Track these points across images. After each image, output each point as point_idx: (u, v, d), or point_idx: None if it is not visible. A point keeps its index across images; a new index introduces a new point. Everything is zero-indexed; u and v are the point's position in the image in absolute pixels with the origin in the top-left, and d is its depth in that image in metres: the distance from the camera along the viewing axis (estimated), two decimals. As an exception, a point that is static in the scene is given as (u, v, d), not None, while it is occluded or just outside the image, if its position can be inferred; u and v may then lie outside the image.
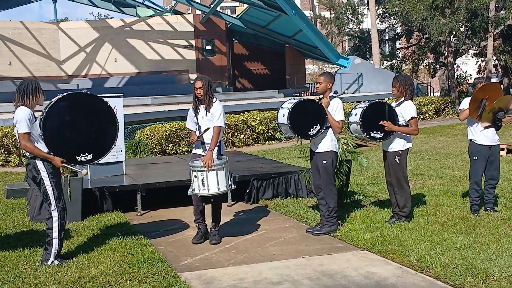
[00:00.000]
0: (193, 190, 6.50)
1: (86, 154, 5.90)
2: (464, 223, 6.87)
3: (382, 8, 33.98)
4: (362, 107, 7.04)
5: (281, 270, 5.65)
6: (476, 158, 7.37)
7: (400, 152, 7.05)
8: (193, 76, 27.64)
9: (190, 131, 6.99)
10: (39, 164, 5.82)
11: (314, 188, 7.39)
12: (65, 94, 5.88)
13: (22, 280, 5.38)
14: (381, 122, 6.95)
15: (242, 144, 16.95)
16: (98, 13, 56.40)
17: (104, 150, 6.04)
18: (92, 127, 5.96)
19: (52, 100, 5.82)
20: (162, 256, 6.05)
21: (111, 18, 44.60)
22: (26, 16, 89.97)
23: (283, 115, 6.88)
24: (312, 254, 6.14)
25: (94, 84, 27.25)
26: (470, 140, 7.44)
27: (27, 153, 5.85)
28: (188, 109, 6.91)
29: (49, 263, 5.82)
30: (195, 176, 6.40)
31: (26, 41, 27.65)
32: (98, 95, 6.26)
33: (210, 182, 6.36)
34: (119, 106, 9.29)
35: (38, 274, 5.52)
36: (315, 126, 6.79)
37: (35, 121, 5.77)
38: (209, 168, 6.35)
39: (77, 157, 5.88)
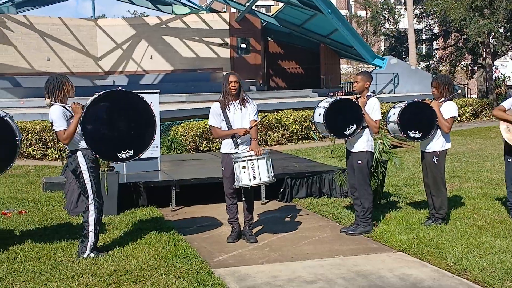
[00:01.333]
0: (240, 182, 6.39)
1: (127, 150, 5.90)
2: (503, 227, 6.73)
3: (420, 8, 33.57)
4: (400, 106, 6.95)
5: (315, 269, 5.62)
6: (510, 160, 7.21)
7: (438, 152, 6.94)
8: (227, 74, 27.69)
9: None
10: (80, 158, 5.89)
11: (349, 188, 7.34)
12: (100, 93, 5.89)
13: (59, 271, 5.46)
14: (425, 100, 6.90)
15: (276, 143, 16.93)
16: (134, 10, 57.05)
17: (144, 146, 6.01)
18: (130, 124, 5.94)
19: (89, 100, 5.87)
20: (196, 251, 6.07)
21: (147, 15, 45.00)
22: (62, 13, 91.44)
23: (319, 114, 6.84)
24: (347, 254, 6.10)
25: (130, 81, 27.58)
26: (505, 141, 7.26)
27: (68, 146, 5.93)
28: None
29: (85, 255, 5.89)
30: (244, 167, 6.32)
31: (65, 37, 28.11)
32: (134, 91, 6.27)
33: (262, 170, 6.33)
34: (156, 103, 9.36)
35: (75, 266, 5.59)
36: (351, 126, 6.72)
37: (72, 116, 5.82)
38: (260, 154, 6.35)
39: (118, 154, 5.88)
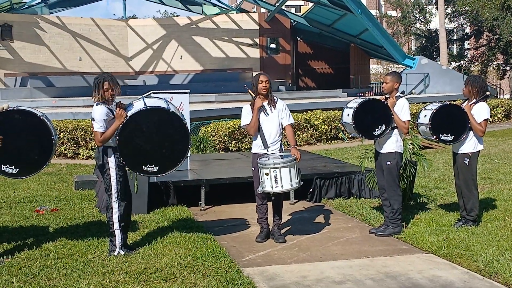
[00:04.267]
0: (263, 187, 6.44)
1: (153, 166, 5.94)
2: (535, 230, 6.63)
3: (451, 7, 33.18)
4: (431, 108, 6.89)
5: (344, 269, 5.62)
6: None
7: (470, 154, 6.87)
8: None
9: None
10: (110, 154, 5.96)
11: (378, 189, 7.31)
12: (148, 106, 5.96)
13: (90, 268, 5.56)
14: (464, 106, 6.85)
15: (305, 143, 16.91)
16: (165, 10, 57.46)
17: (170, 167, 6.02)
18: (165, 142, 5.97)
19: (135, 109, 5.93)
20: (225, 251, 6.12)
21: (177, 16, 45.32)
22: (93, 13, 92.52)
23: (348, 115, 6.83)
24: (376, 255, 6.08)
25: (160, 81, 27.78)
26: None
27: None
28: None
29: (115, 253, 5.98)
30: (267, 174, 6.33)
31: (96, 37, 28.44)
32: (168, 92, 6.30)
33: (284, 178, 6.33)
34: (186, 103, 9.45)
35: (106, 264, 5.68)
36: (380, 126, 6.70)
37: (114, 118, 5.90)
38: (299, 159, 6.46)
39: (143, 166, 5.93)
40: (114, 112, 5.91)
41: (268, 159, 6.43)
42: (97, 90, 5.93)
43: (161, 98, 6.32)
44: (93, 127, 5.92)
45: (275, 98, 6.73)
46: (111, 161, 5.97)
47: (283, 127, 6.74)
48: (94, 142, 13.93)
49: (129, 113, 5.86)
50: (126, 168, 6.15)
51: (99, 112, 5.88)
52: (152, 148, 5.94)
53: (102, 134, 5.84)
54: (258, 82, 6.61)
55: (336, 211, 8.28)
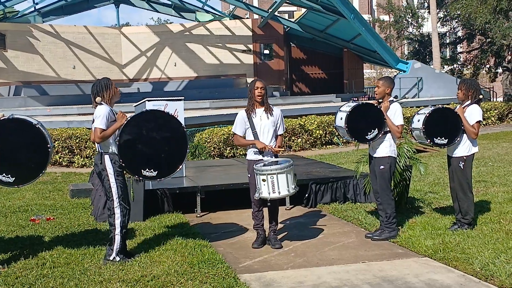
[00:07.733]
0: (260, 193, 6.43)
1: (152, 170, 6.02)
2: (530, 232, 6.66)
3: (444, 12, 33.32)
4: (424, 113, 6.93)
5: (341, 274, 5.63)
6: None
7: (465, 157, 6.90)
8: (250, 80, 27.73)
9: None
10: (107, 161, 6.01)
11: (373, 193, 7.33)
12: (149, 109, 6.06)
13: (87, 277, 5.55)
14: (457, 109, 6.88)
15: (299, 148, 16.93)
16: (158, 18, 57.52)
17: (168, 172, 6.12)
18: (164, 147, 6.06)
19: (136, 113, 6.01)
20: (222, 257, 6.12)
21: (171, 23, 45.33)
22: (85, 21, 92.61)
23: (341, 118, 6.85)
24: (372, 260, 6.09)
25: (154, 88, 27.75)
26: None
27: (99, 147, 6.05)
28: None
29: (111, 258, 5.99)
30: (264, 180, 6.33)
31: (90, 45, 28.42)
32: (162, 99, 6.35)
33: (281, 184, 6.33)
34: (180, 110, 9.47)
35: (103, 272, 5.68)
36: (373, 130, 6.73)
37: (114, 120, 5.96)
38: (270, 149, 6.51)
39: (142, 170, 6.00)
40: (116, 114, 5.98)
41: (264, 165, 6.44)
42: (102, 92, 6.04)
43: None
44: (94, 125, 5.95)
45: (270, 104, 6.76)
46: (109, 167, 6.00)
47: (276, 135, 6.76)
48: (88, 150, 14.01)
49: (131, 116, 5.95)
50: (125, 175, 6.18)
51: (102, 110, 5.96)
52: (152, 152, 6.02)
53: (102, 131, 5.89)
54: (254, 88, 6.64)
55: (332, 216, 8.30)
